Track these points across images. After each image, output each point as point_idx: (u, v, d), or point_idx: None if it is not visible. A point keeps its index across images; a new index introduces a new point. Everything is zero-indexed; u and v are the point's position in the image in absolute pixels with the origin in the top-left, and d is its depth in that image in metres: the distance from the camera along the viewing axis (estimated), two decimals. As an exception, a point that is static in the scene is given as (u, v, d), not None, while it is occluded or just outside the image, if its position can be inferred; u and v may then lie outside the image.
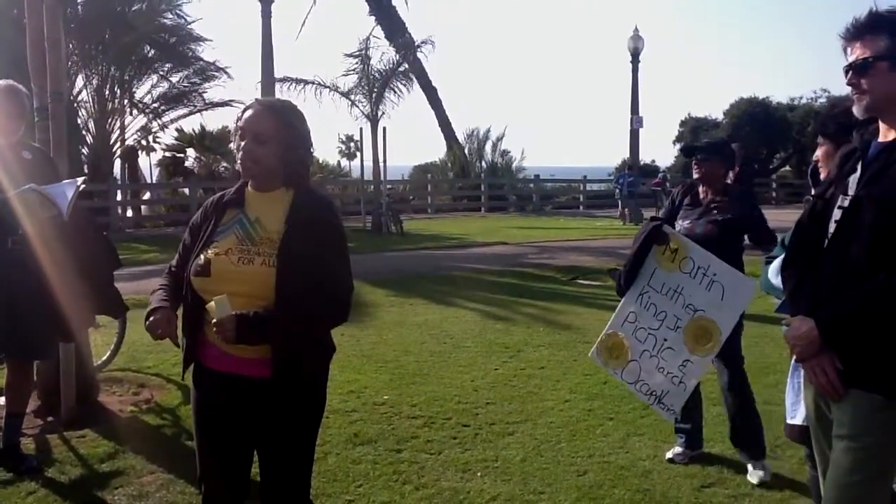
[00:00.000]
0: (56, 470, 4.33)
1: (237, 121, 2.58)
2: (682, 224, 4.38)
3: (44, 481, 4.16)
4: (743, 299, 3.87)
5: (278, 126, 2.53)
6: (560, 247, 15.83)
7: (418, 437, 4.80)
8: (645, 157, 29.98)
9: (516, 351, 6.99)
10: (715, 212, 4.31)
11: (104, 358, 6.11)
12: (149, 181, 26.81)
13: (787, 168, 36.52)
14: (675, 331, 3.94)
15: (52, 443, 4.74)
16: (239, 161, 2.55)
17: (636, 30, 23.25)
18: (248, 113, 2.55)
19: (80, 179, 4.47)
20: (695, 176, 4.48)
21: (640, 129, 24.13)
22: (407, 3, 35.09)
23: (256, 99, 2.64)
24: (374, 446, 4.65)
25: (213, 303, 2.36)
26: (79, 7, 19.19)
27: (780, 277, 2.67)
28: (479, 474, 4.27)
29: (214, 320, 2.36)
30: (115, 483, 4.15)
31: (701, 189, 4.47)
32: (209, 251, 2.51)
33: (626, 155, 25.07)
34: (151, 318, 2.51)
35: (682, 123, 36.63)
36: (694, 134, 32.52)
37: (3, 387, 4.64)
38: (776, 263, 2.82)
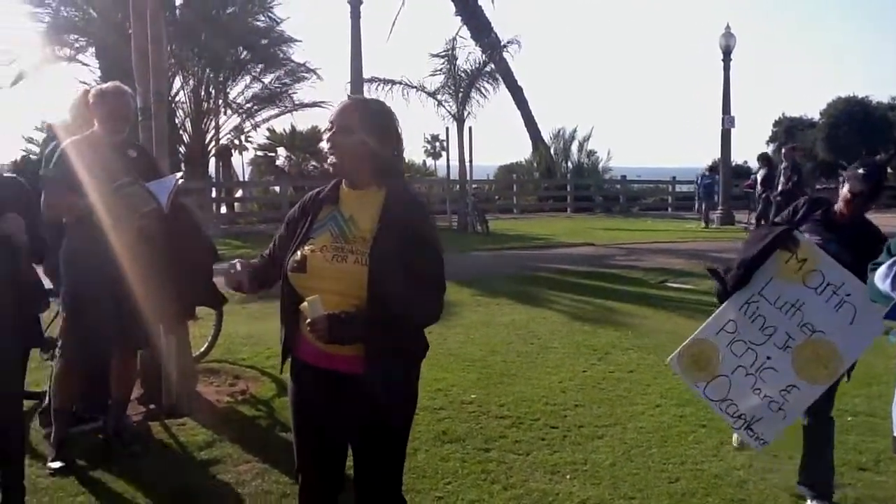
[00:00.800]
0: (158, 456, 4.52)
1: (329, 115, 2.63)
2: (809, 239, 3.81)
3: (147, 466, 4.35)
4: (876, 327, 3.39)
5: (365, 119, 2.56)
6: (648, 249, 15.57)
7: (506, 437, 4.79)
8: (737, 157, 29.11)
9: (604, 353, 6.90)
10: (852, 237, 3.71)
11: (202, 349, 6.31)
12: (241, 179, 27.57)
13: (889, 170, 34.99)
14: (784, 350, 3.56)
15: (154, 429, 4.94)
16: (327, 154, 2.59)
17: (728, 27, 22.59)
18: (339, 106, 2.61)
19: (178, 174, 4.64)
20: (842, 197, 3.79)
21: (732, 129, 23.43)
22: (493, 3, 34.88)
23: (349, 95, 2.69)
24: (462, 444, 4.67)
25: (306, 303, 2.41)
26: (177, 11, 19.88)
27: (887, 283, 2.57)
28: (567, 477, 4.24)
29: (308, 320, 2.40)
30: (213, 470, 4.30)
31: (839, 210, 3.83)
32: (305, 248, 2.56)
33: (717, 155, 24.39)
34: (233, 271, 2.68)
35: (776, 123, 35.55)
36: (788, 134, 31.52)
37: (111, 375, 4.84)
38: (882, 269, 2.69)
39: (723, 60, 22.78)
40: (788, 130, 32.82)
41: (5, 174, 3.65)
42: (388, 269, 2.45)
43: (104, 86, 4.52)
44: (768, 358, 3.56)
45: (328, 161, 2.60)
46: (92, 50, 19.15)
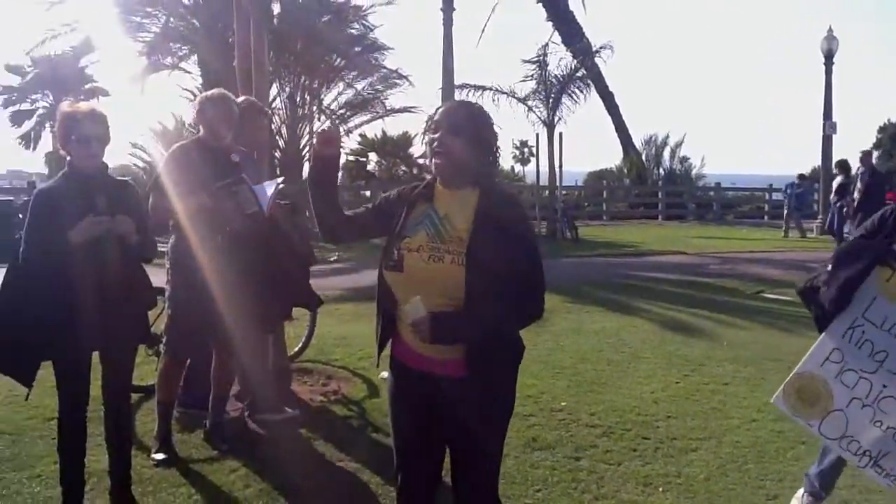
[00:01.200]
0: (255, 451, 4.64)
1: (429, 119, 2.65)
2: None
3: (244, 461, 4.48)
4: None
5: (471, 121, 2.59)
6: (743, 258, 15.16)
7: (597, 447, 4.75)
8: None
9: (698, 365, 6.75)
10: None
11: (296, 349, 6.47)
12: (332, 184, 28.03)
13: None
14: None
15: (250, 426, 5.09)
16: (430, 153, 2.61)
17: (830, 30, 21.78)
18: (443, 108, 2.64)
19: (279, 179, 4.77)
20: None
21: (834, 136, 22.58)
22: (585, 8, 34.50)
23: (450, 100, 2.72)
24: (552, 452, 4.64)
25: (407, 305, 2.43)
26: (274, 21, 20.43)
27: None
28: (660, 489, 4.17)
29: (410, 321, 2.43)
30: (307, 468, 4.40)
31: None
32: (401, 246, 2.57)
33: (818, 162, 23.54)
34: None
35: (881, 129, 34.04)
36: (894, 141, 30.14)
37: (211, 371, 5.01)
38: None
39: (824, 64, 21.99)
40: (894, 137, 31.35)
41: (118, 178, 3.82)
42: (485, 269, 2.46)
43: (209, 92, 4.69)
44: (884, 386, 3.24)
45: (430, 160, 2.61)
46: (194, 58, 19.90)
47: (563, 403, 5.57)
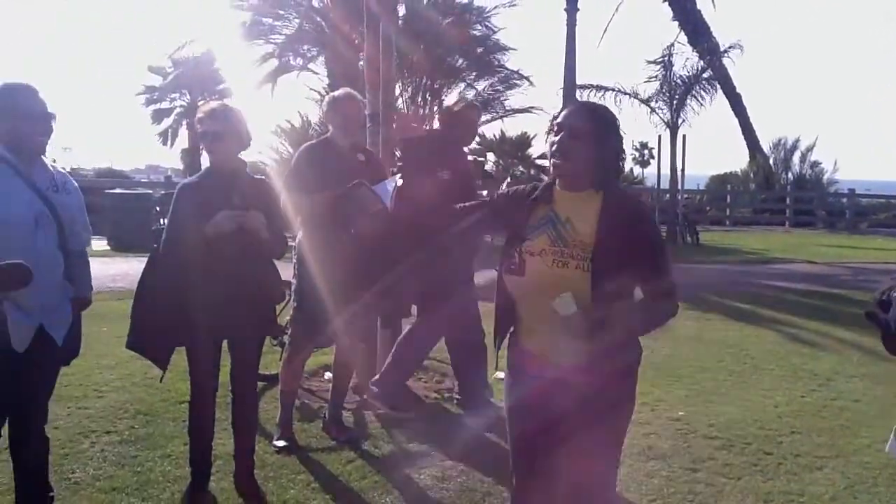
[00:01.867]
0: (370, 444, 4.77)
1: (552, 121, 2.65)
2: None
3: (360, 452, 4.61)
4: None
5: (594, 124, 2.55)
6: (879, 269, 14.34)
7: (715, 459, 4.61)
8: None
9: (825, 379, 6.45)
10: None
11: (412, 346, 6.57)
12: (450, 183, 28.31)
13: None
14: None
15: (367, 418, 5.22)
16: (550, 155, 2.57)
17: None
18: (568, 109, 2.61)
19: (398, 177, 4.87)
20: None
21: None
22: (714, 6, 33.44)
23: (577, 101, 2.70)
24: (667, 462, 4.55)
25: (558, 300, 2.38)
26: (400, 23, 20.79)
27: None
28: (782, 506, 4.02)
29: (561, 315, 2.38)
30: (420, 463, 4.48)
31: None
32: (522, 250, 2.56)
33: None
34: None
35: None
36: None
37: (332, 364, 5.18)
38: None
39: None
40: None
41: (254, 175, 3.99)
42: (611, 274, 2.43)
43: (337, 92, 4.82)
44: None
45: (552, 161, 2.58)
46: (321, 59, 20.50)
47: (680, 413, 5.44)
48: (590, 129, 2.55)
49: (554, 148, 2.55)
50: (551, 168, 2.60)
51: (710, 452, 4.72)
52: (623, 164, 2.81)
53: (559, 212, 2.59)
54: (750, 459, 4.63)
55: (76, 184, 3.50)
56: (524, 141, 25.89)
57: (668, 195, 21.60)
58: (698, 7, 30.24)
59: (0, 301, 2.97)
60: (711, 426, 5.18)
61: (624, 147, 2.68)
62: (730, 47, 22.91)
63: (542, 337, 2.56)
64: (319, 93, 20.77)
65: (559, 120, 2.58)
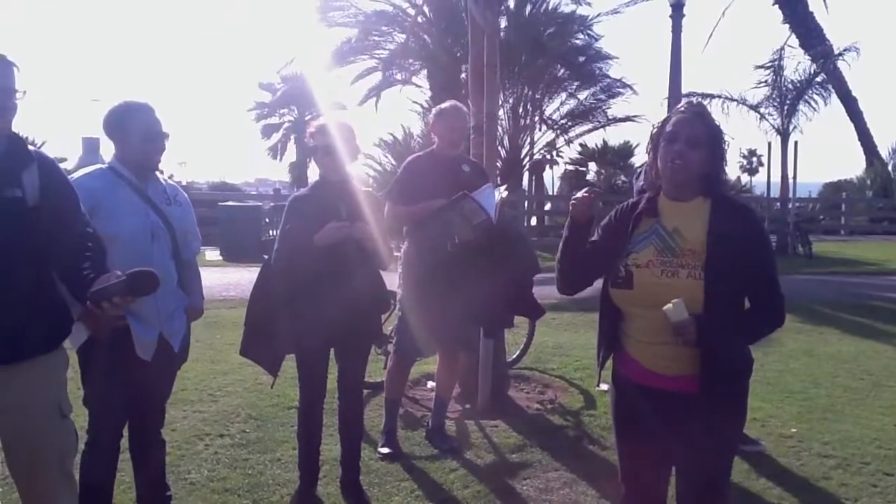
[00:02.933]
0: (473, 453, 4.78)
1: (661, 126, 2.58)
2: None
3: (462, 462, 4.63)
4: None
5: (709, 132, 2.52)
6: None
7: (831, 479, 4.42)
8: None
9: (952, 398, 6.09)
10: None
11: (514, 356, 6.59)
12: (550, 193, 28.23)
13: None
14: None
15: (469, 428, 5.25)
16: (667, 164, 2.52)
17: None
18: (679, 117, 2.56)
19: (502, 187, 4.88)
20: None
21: None
22: (827, 7, 32.11)
23: (680, 107, 2.62)
24: (779, 481, 4.38)
25: (670, 305, 2.36)
26: (501, 34, 20.87)
27: None
28: (904, 530, 3.82)
29: (674, 322, 2.37)
30: (523, 474, 4.46)
31: None
32: (628, 262, 2.54)
33: None
34: (578, 195, 2.63)
35: None
36: None
37: (435, 373, 5.25)
38: None
39: None
40: None
41: (362, 188, 4.09)
42: (724, 282, 2.41)
43: (443, 105, 4.88)
44: None
45: (660, 171, 2.56)
46: (423, 73, 20.81)
47: (793, 430, 5.24)
48: (704, 136, 2.52)
49: (672, 156, 2.51)
50: (667, 175, 2.55)
51: (824, 471, 4.53)
52: (726, 170, 2.75)
53: (665, 223, 2.57)
54: (868, 480, 4.41)
55: (186, 195, 3.68)
56: (627, 150, 25.59)
57: (778, 204, 20.84)
58: (810, 9, 29.17)
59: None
60: (826, 444, 4.96)
61: (728, 153, 2.63)
62: (845, 50, 21.97)
63: (651, 347, 2.53)
64: (422, 105, 21.09)
65: (671, 128, 2.54)
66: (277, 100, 39.34)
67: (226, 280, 11.60)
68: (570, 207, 2.63)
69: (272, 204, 18.46)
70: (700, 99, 20.64)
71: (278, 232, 3.90)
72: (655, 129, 2.62)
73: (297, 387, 4.01)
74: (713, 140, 2.53)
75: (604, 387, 3.19)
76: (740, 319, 2.49)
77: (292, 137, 39.22)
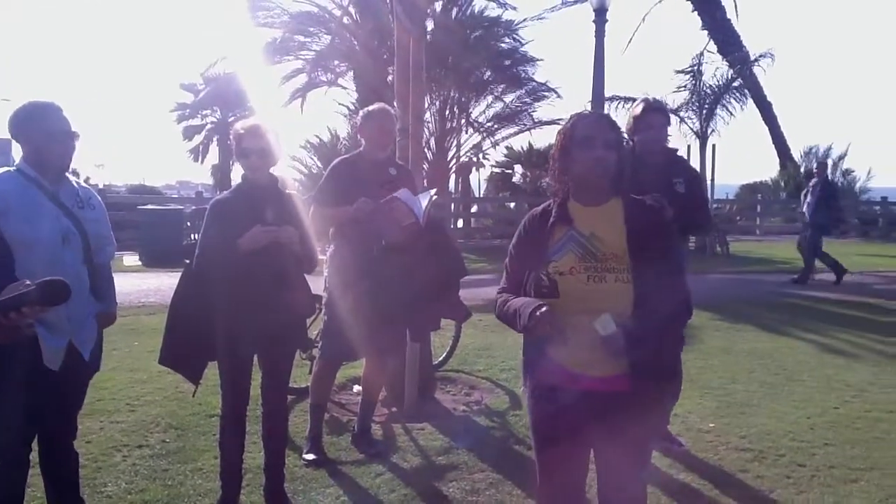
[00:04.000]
0: (399, 457, 4.77)
1: (568, 131, 2.59)
2: None
3: (389, 466, 4.62)
4: None
5: (617, 134, 2.58)
6: (913, 278, 14.11)
7: (747, 472, 4.56)
8: None
9: (860, 390, 6.35)
10: None
11: (440, 358, 6.60)
12: (477, 196, 28.37)
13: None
14: None
15: (396, 431, 5.24)
16: (589, 169, 2.53)
17: None
18: (589, 121, 2.59)
19: (432, 191, 4.88)
20: None
21: None
22: (737, 15, 33.06)
23: (578, 113, 2.64)
24: (698, 474, 4.50)
25: (599, 321, 2.39)
26: (428, 37, 20.87)
27: None
28: (816, 520, 3.96)
29: (603, 336, 2.39)
30: (449, 476, 4.47)
31: None
32: (550, 271, 2.54)
33: None
34: (540, 312, 2.41)
35: None
36: None
37: (361, 377, 5.21)
38: None
39: None
40: None
41: (286, 190, 4.03)
42: (650, 283, 2.45)
43: (371, 107, 4.86)
44: None
45: (593, 174, 2.55)
46: (350, 74, 20.67)
47: (711, 425, 5.39)
48: (615, 138, 2.56)
49: (593, 160, 2.52)
50: (589, 178, 2.57)
51: (741, 464, 4.67)
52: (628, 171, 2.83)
53: (581, 229, 2.58)
54: (783, 472, 4.57)
55: (100, 199, 3.56)
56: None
57: (697, 205, 21.40)
58: (728, 16, 30.06)
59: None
60: (743, 438, 5.12)
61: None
62: (761, 56, 22.74)
63: (578, 351, 2.53)
64: (348, 107, 20.96)
65: (587, 132, 2.55)
66: (200, 101, 38.52)
67: (145, 286, 11.28)
68: (534, 323, 2.43)
69: (194, 207, 18.09)
70: (622, 102, 21.10)
71: (199, 236, 3.82)
72: (563, 135, 2.62)
73: (220, 394, 3.92)
74: (620, 142, 2.58)
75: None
76: (665, 318, 2.52)
77: (215, 139, 38.45)
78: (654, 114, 4.72)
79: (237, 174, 4.03)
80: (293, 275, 3.86)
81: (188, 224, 16.65)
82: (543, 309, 2.41)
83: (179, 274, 3.93)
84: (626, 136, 4.45)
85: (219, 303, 3.69)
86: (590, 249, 2.53)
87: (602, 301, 2.44)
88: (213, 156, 39.13)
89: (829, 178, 14.48)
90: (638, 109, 4.72)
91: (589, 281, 2.49)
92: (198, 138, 39.72)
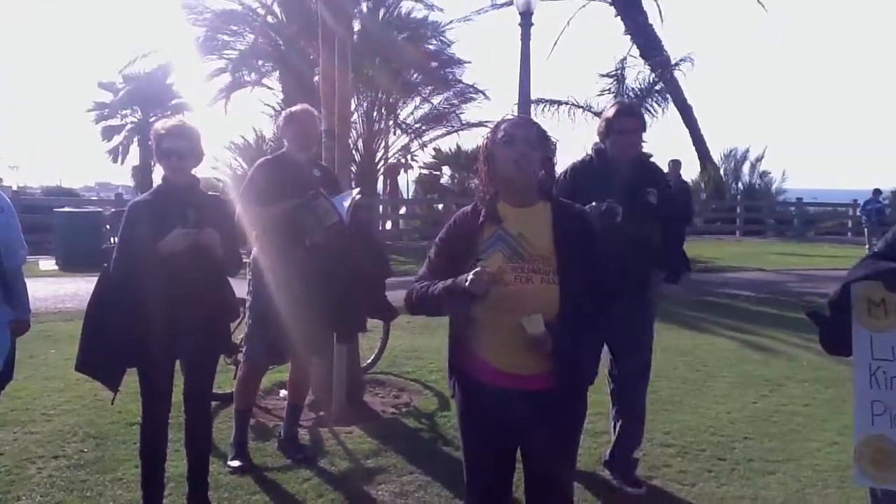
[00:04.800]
0: (327, 461, 4.72)
1: (492, 133, 2.62)
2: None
3: (317, 471, 4.56)
4: None
5: (540, 135, 2.60)
6: (826, 276, 14.65)
7: (671, 466, 4.67)
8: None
9: (777, 385, 6.57)
10: None
11: (368, 361, 6.55)
12: (405, 197, 28.38)
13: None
14: None
15: (324, 436, 5.18)
16: (511, 165, 2.55)
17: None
18: (512, 121, 2.62)
19: (356, 190, 4.85)
20: None
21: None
22: (662, 21, 33.91)
23: (503, 118, 2.68)
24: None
25: (528, 319, 2.41)
26: (354, 37, 20.78)
27: None
28: (736, 512, 4.07)
29: (531, 334, 2.41)
30: (378, 479, 4.44)
31: None
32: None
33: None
34: (475, 273, 2.42)
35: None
36: None
37: (287, 381, 5.14)
38: None
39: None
40: None
41: (209, 192, 3.95)
42: (576, 285, 2.48)
43: (294, 108, 4.80)
44: None
45: (513, 170, 2.56)
46: (276, 74, 20.41)
47: (636, 422, 5.49)
48: (537, 138, 2.58)
49: (516, 158, 2.54)
50: (512, 177, 2.58)
51: (665, 460, 4.78)
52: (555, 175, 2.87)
53: (510, 229, 2.59)
54: (704, 465, 4.69)
55: (9, 201, 3.43)
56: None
57: (622, 206, 21.81)
58: (650, 21, 30.72)
59: None
60: (666, 434, 5.24)
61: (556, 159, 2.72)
62: (681, 60, 23.26)
63: (504, 350, 2.55)
64: (274, 108, 20.69)
65: (511, 130, 2.58)
66: (119, 100, 37.41)
67: (62, 291, 10.91)
68: (470, 284, 2.42)
69: (113, 210, 17.56)
70: (548, 105, 21.36)
71: (117, 239, 3.70)
72: (487, 139, 2.65)
73: (140, 401, 3.80)
74: (544, 144, 2.60)
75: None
76: (587, 319, 2.56)
77: (136, 139, 37.43)
78: (628, 118, 4.29)
79: (159, 175, 3.91)
80: (215, 278, 3.77)
81: (107, 227, 16.10)
82: (478, 268, 2.43)
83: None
84: (598, 139, 4.35)
85: (138, 307, 3.57)
86: (517, 250, 2.55)
87: (528, 301, 2.46)
88: (134, 157, 38.08)
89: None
90: (611, 112, 4.30)
91: (516, 281, 2.50)
92: (117, 139, 38.57)
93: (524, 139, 2.56)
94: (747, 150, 30.66)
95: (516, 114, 14.53)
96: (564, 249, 2.52)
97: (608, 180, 4.12)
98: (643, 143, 4.39)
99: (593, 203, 3.87)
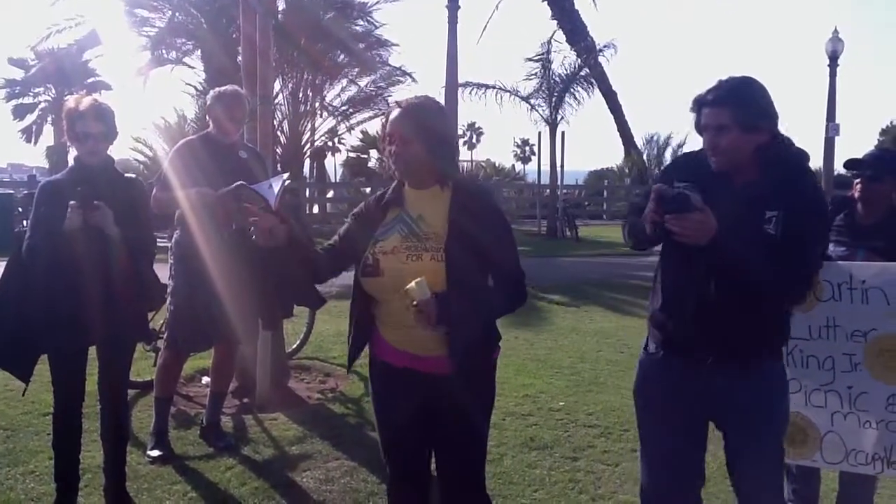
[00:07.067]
0: (251, 449, 4.63)
1: (384, 125, 2.64)
2: (835, 251, 3.43)
3: (240, 458, 4.47)
4: None
5: (418, 127, 2.57)
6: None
7: (595, 447, 4.74)
8: (840, 167, 28.01)
9: (697, 366, 6.73)
10: (886, 236, 3.40)
11: (294, 346, 6.46)
12: (333, 180, 28.15)
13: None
14: (856, 370, 3.17)
15: (247, 423, 5.09)
16: (389, 163, 2.62)
17: (836, 31, 21.70)
18: (392, 116, 2.61)
19: (285, 175, 4.74)
20: (856, 195, 3.56)
21: (836, 138, 22.51)
22: (596, 5, 34.18)
23: (397, 102, 2.67)
24: (549, 452, 4.64)
25: (413, 284, 2.40)
26: (279, 16, 20.38)
27: None
28: (658, 490, 4.15)
29: (415, 301, 2.40)
30: (303, 466, 4.39)
31: (860, 210, 3.54)
32: (376, 251, 2.59)
33: (820, 164, 23.53)
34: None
35: (884, 132, 34.04)
36: (897, 144, 30.09)
37: (210, 368, 5.01)
38: None
39: (829, 66, 21.88)
40: (897, 140, 31.37)
41: (124, 174, 3.79)
42: (464, 262, 2.50)
43: (221, 88, 4.66)
44: (850, 387, 3.18)
45: (391, 171, 2.63)
46: (198, 53, 19.88)
47: (561, 403, 5.56)
48: (414, 132, 2.56)
49: (393, 158, 2.59)
50: (396, 174, 2.64)
51: (589, 440, 4.85)
52: (456, 152, 2.89)
53: (411, 211, 2.64)
54: (628, 446, 4.76)
55: None
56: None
57: (548, 190, 22.11)
58: (576, 6, 31.02)
59: None
60: (591, 415, 5.32)
61: (454, 135, 2.72)
62: (605, 46, 23.65)
63: (403, 330, 2.59)
64: (196, 88, 20.17)
65: (388, 129, 2.61)
66: (31, 77, 35.99)
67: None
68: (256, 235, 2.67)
69: (25, 191, 16.89)
70: (475, 88, 21.39)
71: (29, 221, 3.53)
72: (382, 125, 2.67)
73: (52, 391, 3.65)
74: (427, 134, 2.57)
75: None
76: (482, 297, 2.58)
77: (50, 119, 36.09)
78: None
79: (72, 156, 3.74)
80: (132, 261, 3.62)
81: (20, 210, 15.54)
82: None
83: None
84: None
85: (48, 292, 3.42)
86: (414, 230, 2.59)
87: (416, 278, 2.45)
88: (49, 137, 36.71)
89: None
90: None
91: (408, 260, 2.54)
92: (30, 118, 37.19)
93: (398, 137, 2.57)
94: (669, 136, 31.46)
95: (443, 98, 14.51)
96: (455, 229, 2.54)
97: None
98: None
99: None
